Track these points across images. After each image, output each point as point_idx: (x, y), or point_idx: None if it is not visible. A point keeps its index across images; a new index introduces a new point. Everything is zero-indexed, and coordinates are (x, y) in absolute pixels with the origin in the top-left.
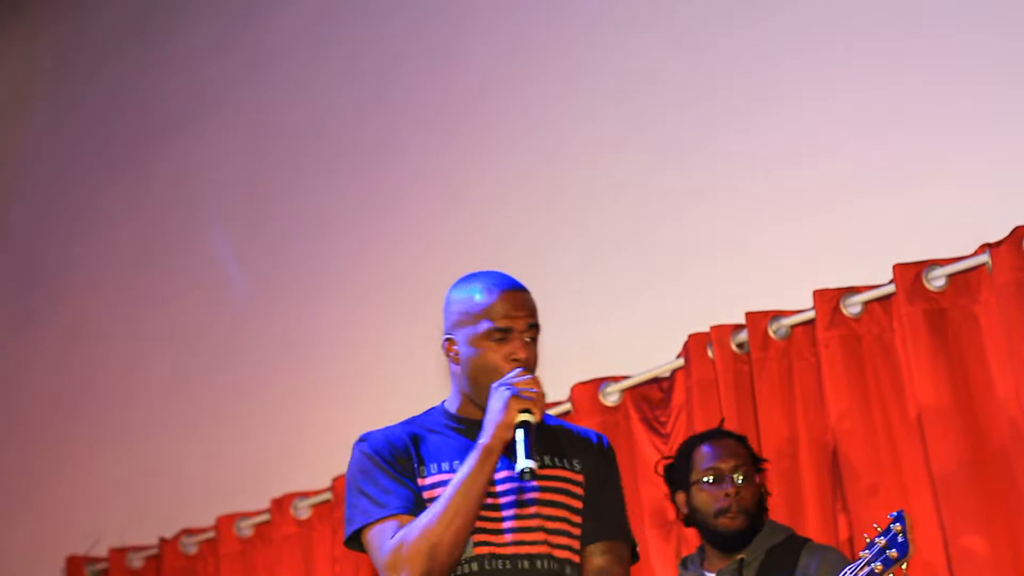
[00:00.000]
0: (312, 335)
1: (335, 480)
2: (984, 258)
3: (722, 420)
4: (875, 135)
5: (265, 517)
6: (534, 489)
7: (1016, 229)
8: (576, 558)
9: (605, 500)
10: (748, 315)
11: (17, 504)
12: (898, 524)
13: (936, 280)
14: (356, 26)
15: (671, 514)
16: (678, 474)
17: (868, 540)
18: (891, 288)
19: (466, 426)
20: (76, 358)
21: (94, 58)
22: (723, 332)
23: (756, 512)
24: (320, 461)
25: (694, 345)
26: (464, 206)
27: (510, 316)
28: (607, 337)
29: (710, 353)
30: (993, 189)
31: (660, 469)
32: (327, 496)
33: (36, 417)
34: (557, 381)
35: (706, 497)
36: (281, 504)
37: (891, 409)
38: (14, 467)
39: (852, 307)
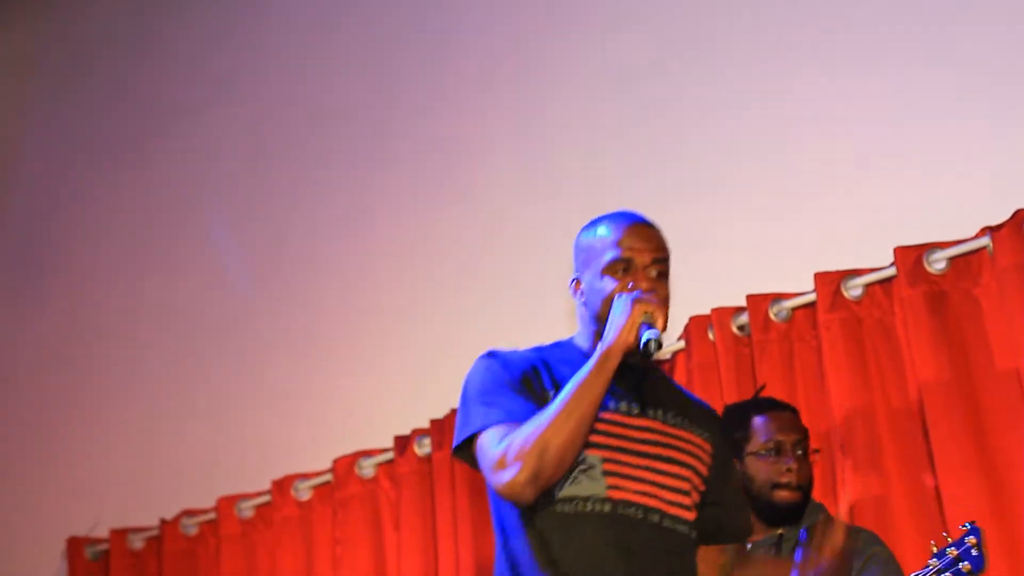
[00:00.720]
0: (313, 317)
1: (336, 462)
2: (985, 241)
3: (762, 387)
4: (876, 119)
5: (266, 499)
6: (672, 447)
7: (1017, 212)
8: (692, 516)
9: (734, 493)
10: (749, 298)
11: (17, 486)
12: (972, 537)
13: (937, 263)
14: (355, 11)
15: None
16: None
17: (936, 549)
18: (892, 271)
19: None
20: (76, 341)
21: (95, 44)
22: (724, 315)
23: (808, 488)
24: (321, 443)
25: (695, 327)
26: (465, 190)
27: (632, 248)
28: None
29: (711, 335)
30: (994, 172)
31: None
32: (328, 478)
33: (36, 399)
34: None
35: (766, 468)
36: (282, 486)
37: (892, 391)
38: (14, 449)
39: (853, 290)
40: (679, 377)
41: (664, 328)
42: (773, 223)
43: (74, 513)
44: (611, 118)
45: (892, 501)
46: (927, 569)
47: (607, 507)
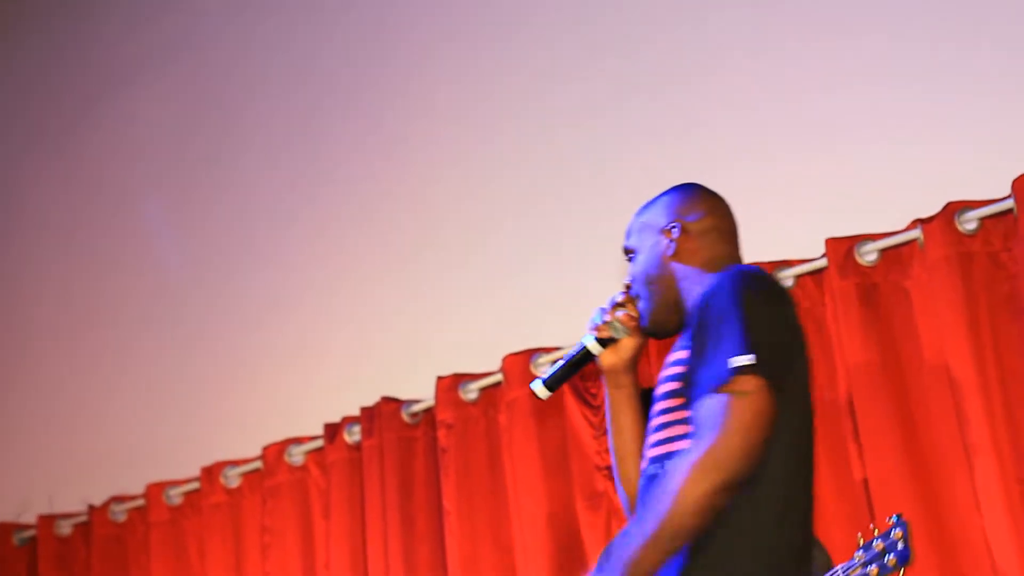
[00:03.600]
0: (243, 302)
1: (265, 449)
2: (916, 233)
3: None
4: (806, 110)
5: (195, 485)
6: (664, 382)
7: (948, 205)
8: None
9: (702, 352)
10: None
11: None
12: (899, 530)
13: (868, 255)
14: None
15: (600, 484)
16: None
17: (862, 541)
18: (823, 262)
19: None
20: (6, 323)
21: (23, 22)
22: None
23: None
24: (251, 429)
25: None
26: (403, 174)
27: None
28: (539, 308)
29: None
30: (925, 164)
31: None
32: (257, 465)
33: None
34: (489, 352)
35: None
36: (211, 472)
37: (821, 383)
38: None
39: (784, 281)
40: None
41: (626, 317)
42: None
43: (1, 499)
44: (555, 107)
45: (820, 492)
46: (853, 562)
47: (643, 481)
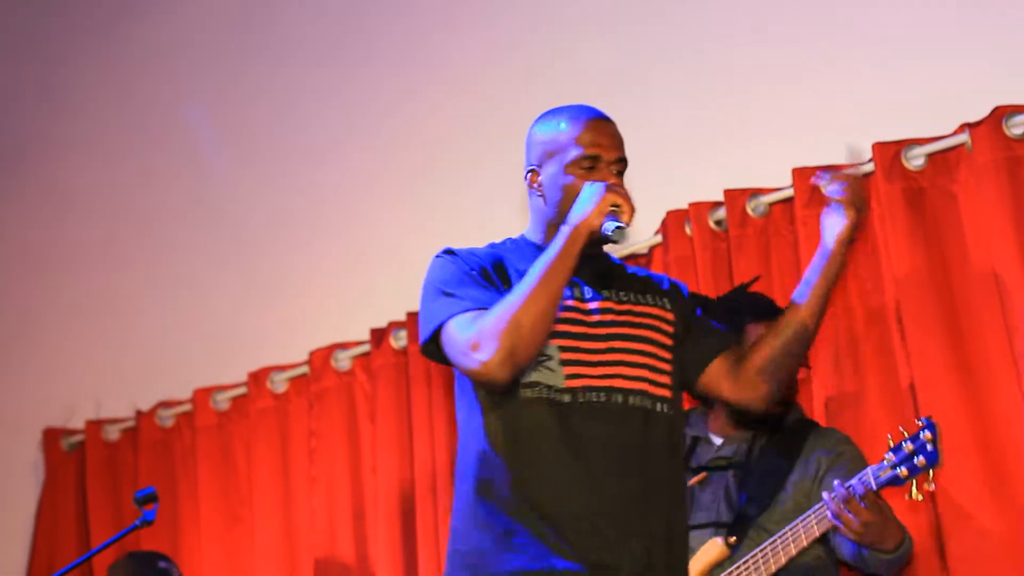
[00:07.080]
0: (290, 208)
1: (312, 354)
2: (963, 138)
3: (755, 279)
4: (855, 12)
5: (242, 390)
6: (626, 324)
7: (996, 109)
8: (665, 392)
9: (707, 323)
10: (727, 192)
11: None
12: (928, 432)
13: (915, 159)
14: None
15: None
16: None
17: (893, 443)
18: (870, 167)
19: None
20: (54, 229)
21: None
22: (701, 209)
23: (791, 398)
24: (297, 334)
25: (672, 222)
26: (452, 75)
27: (599, 144)
28: None
29: (688, 230)
30: (973, 68)
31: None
32: (304, 370)
33: (13, 288)
34: None
35: None
36: (258, 377)
37: (868, 287)
38: None
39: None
40: (656, 271)
41: (629, 223)
42: (752, 117)
43: (50, 404)
44: (582, 14)
45: (867, 398)
46: (883, 464)
47: (567, 397)
